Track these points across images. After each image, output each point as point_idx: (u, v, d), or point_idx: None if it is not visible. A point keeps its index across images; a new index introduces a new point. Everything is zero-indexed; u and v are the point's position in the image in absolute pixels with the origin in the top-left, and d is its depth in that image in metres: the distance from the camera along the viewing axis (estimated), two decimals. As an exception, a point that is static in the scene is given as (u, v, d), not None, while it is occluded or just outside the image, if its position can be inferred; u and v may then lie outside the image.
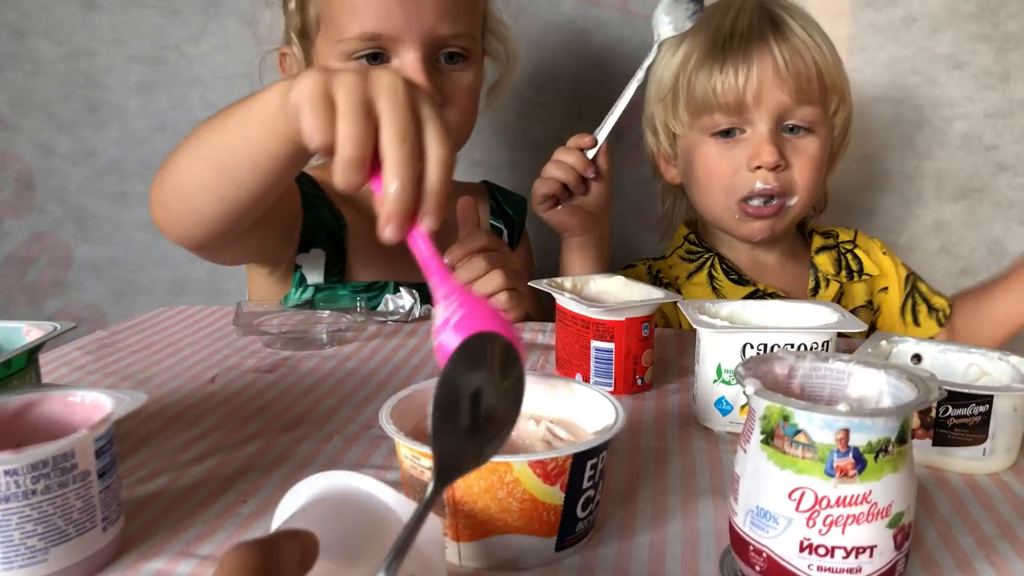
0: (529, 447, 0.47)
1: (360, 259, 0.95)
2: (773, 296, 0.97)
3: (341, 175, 0.44)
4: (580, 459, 0.41)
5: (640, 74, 0.87)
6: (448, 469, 0.35)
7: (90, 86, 1.32)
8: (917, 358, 0.59)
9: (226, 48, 1.29)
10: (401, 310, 0.85)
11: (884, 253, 1.05)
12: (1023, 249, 1.25)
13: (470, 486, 0.40)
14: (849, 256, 1.03)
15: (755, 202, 0.92)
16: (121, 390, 0.46)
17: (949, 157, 1.25)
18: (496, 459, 0.39)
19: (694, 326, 0.58)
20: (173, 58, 1.30)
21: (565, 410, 0.50)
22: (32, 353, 0.51)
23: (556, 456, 0.41)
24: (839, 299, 1.00)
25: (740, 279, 0.98)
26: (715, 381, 0.58)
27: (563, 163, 0.86)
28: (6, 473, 0.38)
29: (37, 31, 1.31)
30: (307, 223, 0.90)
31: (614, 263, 0.98)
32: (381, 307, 0.86)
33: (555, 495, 0.41)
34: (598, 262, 0.92)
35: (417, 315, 0.86)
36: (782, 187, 0.91)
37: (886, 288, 1.03)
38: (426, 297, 0.90)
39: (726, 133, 0.92)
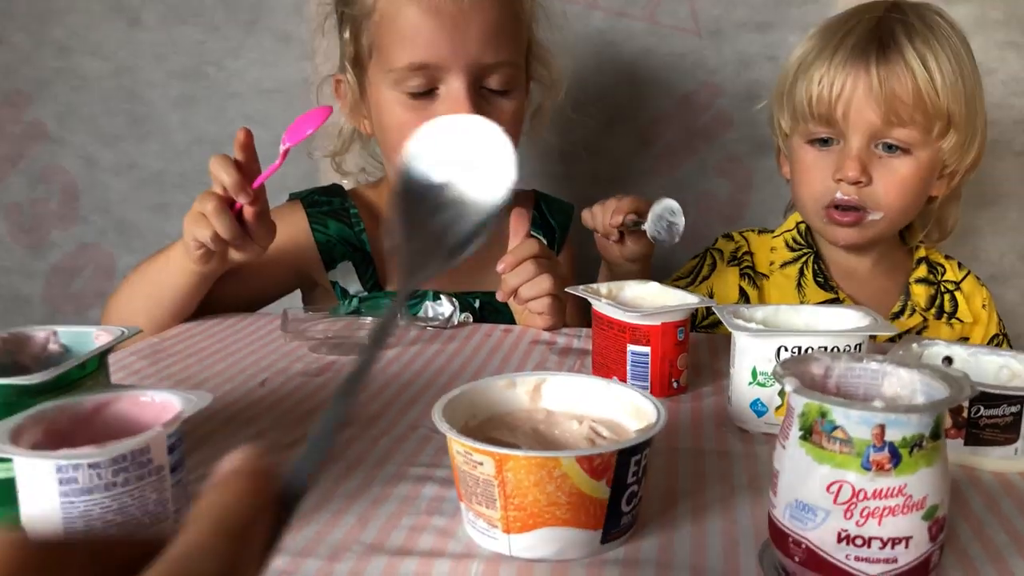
0: (574, 445, 0.49)
1: (395, 268, 0.98)
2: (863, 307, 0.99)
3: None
4: (625, 455, 0.44)
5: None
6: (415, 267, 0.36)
7: (133, 101, 1.36)
8: (948, 360, 0.60)
9: (263, 63, 1.33)
10: (441, 316, 0.88)
11: (984, 306, 1.04)
12: (1054, 254, 1.26)
13: (520, 480, 0.43)
14: (947, 297, 1.03)
15: (838, 208, 0.94)
16: (187, 391, 0.48)
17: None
18: (545, 454, 0.42)
19: (729, 329, 0.60)
20: (212, 73, 1.34)
21: (607, 410, 0.52)
22: (103, 356, 0.54)
23: (602, 452, 0.43)
24: (918, 332, 1.00)
25: (826, 283, 0.99)
26: (750, 383, 0.60)
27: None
28: (90, 467, 0.41)
29: (83, 48, 1.35)
30: (320, 244, 0.96)
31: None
32: (421, 313, 0.89)
33: (601, 489, 0.43)
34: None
35: (456, 322, 0.88)
36: (863, 201, 0.92)
37: (967, 339, 1.02)
38: (465, 305, 0.93)
39: (823, 141, 0.94)
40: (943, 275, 1.04)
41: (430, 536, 0.47)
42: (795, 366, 0.44)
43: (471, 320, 0.92)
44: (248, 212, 0.78)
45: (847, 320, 0.63)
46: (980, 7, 1.19)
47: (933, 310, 1.01)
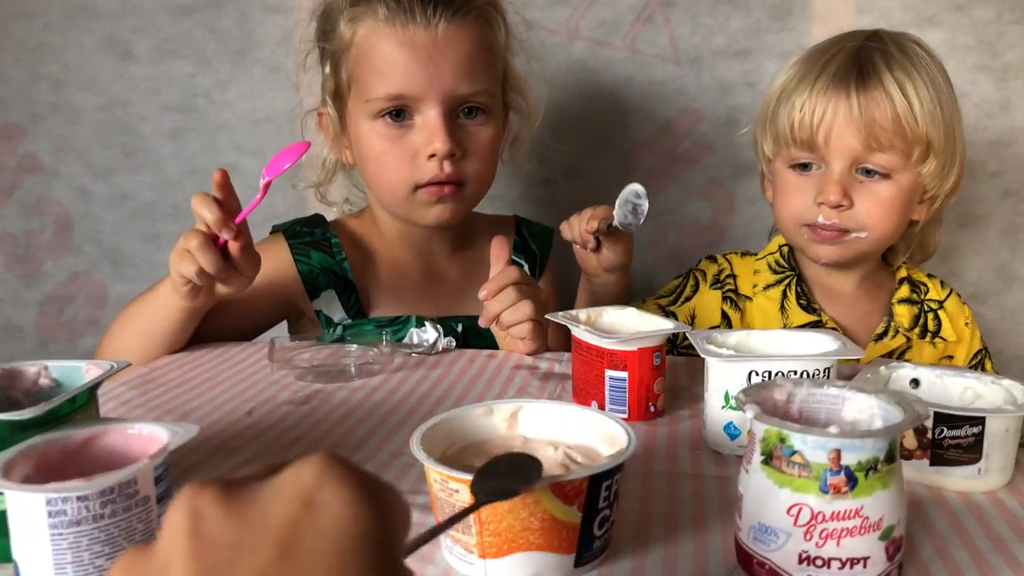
0: (548, 471, 0.51)
1: (379, 295, 1.01)
2: (833, 331, 1.00)
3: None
4: (596, 481, 0.45)
5: None
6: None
7: (126, 133, 1.38)
8: (915, 383, 0.62)
9: (253, 94, 1.36)
10: (425, 343, 0.90)
11: (966, 324, 1.06)
12: (1031, 273, 1.28)
13: (495, 506, 0.44)
14: (931, 315, 1.05)
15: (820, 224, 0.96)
16: (174, 423, 0.50)
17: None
18: None
19: (702, 355, 0.62)
20: (203, 105, 1.36)
21: (581, 436, 0.54)
22: (93, 390, 0.55)
23: (573, 478, 0.44)
24: (903, 353, 1.02)
25: (808, 306, 1.01)
26: (723, 407, 0.62)
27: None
28: (79, 499, 0.42)
29: (76, 83, 1.38)
30: (304, 274, 0.99)
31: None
32: (406, 340, 0.91)
33: (573, 514, 0.45)
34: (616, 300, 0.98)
35: (440, 348, 0.90)
36: (844, 224, 0.94)
37: (951, 358, 1.05)
38: (448, 330, 0.95)
39: (804, 166, 0.97)
40: (926, 294, 1.06)
41: (409, 561, 0.48)
42: (759, 392, 0.46)
43: (454, 345, 0.94)
44: (232, 247, 0.80)
45: (817, 345, 0.65)
46: (951, 32, 1.23)
47: (917, 329, 1.03)
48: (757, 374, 0.61)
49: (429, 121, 0.91)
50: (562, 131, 1.31)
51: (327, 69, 0.98)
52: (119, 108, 1.38)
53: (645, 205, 0.90)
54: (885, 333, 1.02)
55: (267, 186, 0.78)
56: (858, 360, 0.63)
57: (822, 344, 0.64)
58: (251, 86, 1.36)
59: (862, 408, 0.46)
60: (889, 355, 1.01)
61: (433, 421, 0.52)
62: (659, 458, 0.63)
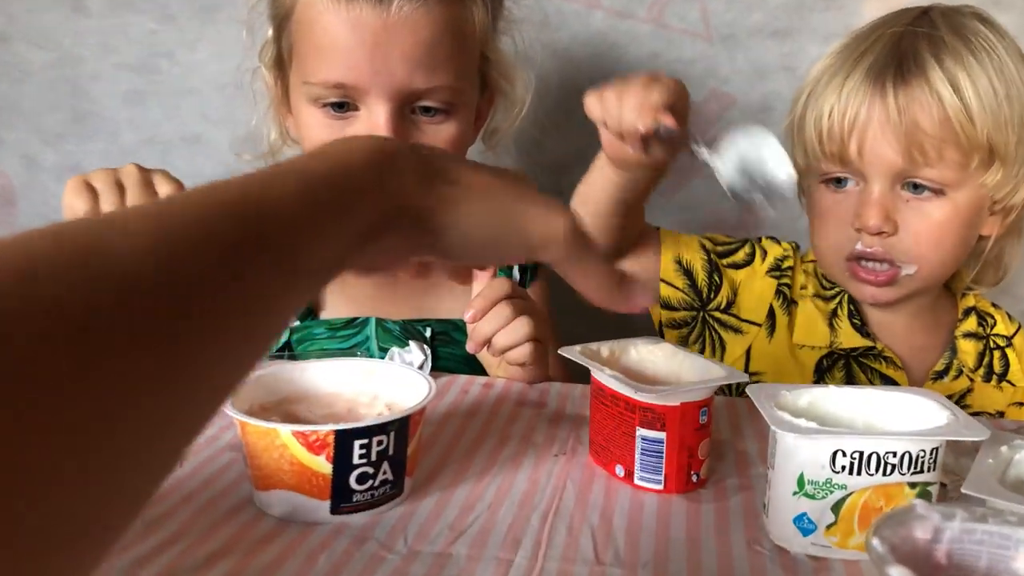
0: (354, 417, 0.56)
1: (329, 293, 0.86)
2: (889, 361, 0.85)
3: None
4: (344, 436, 0.48)
5: None
6: None
7: (77, 96, 1.22)
8: (1046, 469, 0.48)
9: (222, 56, 1.19)
10: (410, 367, 0.74)
11: None
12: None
13: (254, 443, 0.50)
14: (997, 354, 0.88)
15: (867, 264, 0.80)
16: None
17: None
18: (267, 424, 0.49)
19: (772, 427, 0.47)
20: (166, 67, 1.20)
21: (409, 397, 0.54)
22: None
23: (316, 430, 0.48)
24: (961, 398, 0.87)
25: (862, 328, 0.85)
26: (795, 494, 0.47)
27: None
28: None
29: (22, 36, 1.21)
30: None
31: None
32: (387, 360, 0.76)
33: (322, 464, 0.49)
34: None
35: (428, 372, 0.75)
36: (889, 253, 0.78)
37: (1023, 404, 0.89)
38: (413, 334, 0.80)
39: (839, 181, 0.80)
40: (992, 327, 0.90)
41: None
42: (894, 530, 0.31)
43: (428, 352, 0.79)
44: None
45: (916, 411, 0.50)
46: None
47: (981, 370, 0.87)
48: (845, 455, 0.46)
49: (374, 117, 0.76)
50: (575, 112, 1.16)
51: (270, 32, 0.84)
52: (69, 66, 1.21)
53: (784, 175, 0.59)
54: (946, 371, 0.86)
55: None
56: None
57: (925, 414, 0.50)
58: (221, 47, 1.19)
59: (1046, 558, 0.31)
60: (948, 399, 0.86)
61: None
62: (707, 551, 0.49)
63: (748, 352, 0.87)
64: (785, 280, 0.87)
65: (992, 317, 0.90)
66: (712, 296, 0.86)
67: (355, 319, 0.83)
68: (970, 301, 0.90)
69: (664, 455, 0.54)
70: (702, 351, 0.87)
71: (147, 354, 0.20)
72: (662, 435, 0.54)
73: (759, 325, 0.87)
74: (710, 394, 0.55)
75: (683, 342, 0.86)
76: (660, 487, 0.55)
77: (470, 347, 0.71)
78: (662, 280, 0.85)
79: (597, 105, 0.69)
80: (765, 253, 0.89)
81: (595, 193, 0.77)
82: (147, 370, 0.20)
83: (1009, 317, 0.92)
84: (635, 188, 0.76)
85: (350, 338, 0.81)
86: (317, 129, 0.79)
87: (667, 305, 0.86)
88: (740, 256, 0.89)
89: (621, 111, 0.66)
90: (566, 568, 0.47)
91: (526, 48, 0.93)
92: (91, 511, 0.20)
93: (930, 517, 0.32)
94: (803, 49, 1.11)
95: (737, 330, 0.87)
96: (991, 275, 0.88)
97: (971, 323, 0.89)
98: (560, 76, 1.14)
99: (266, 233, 0.26)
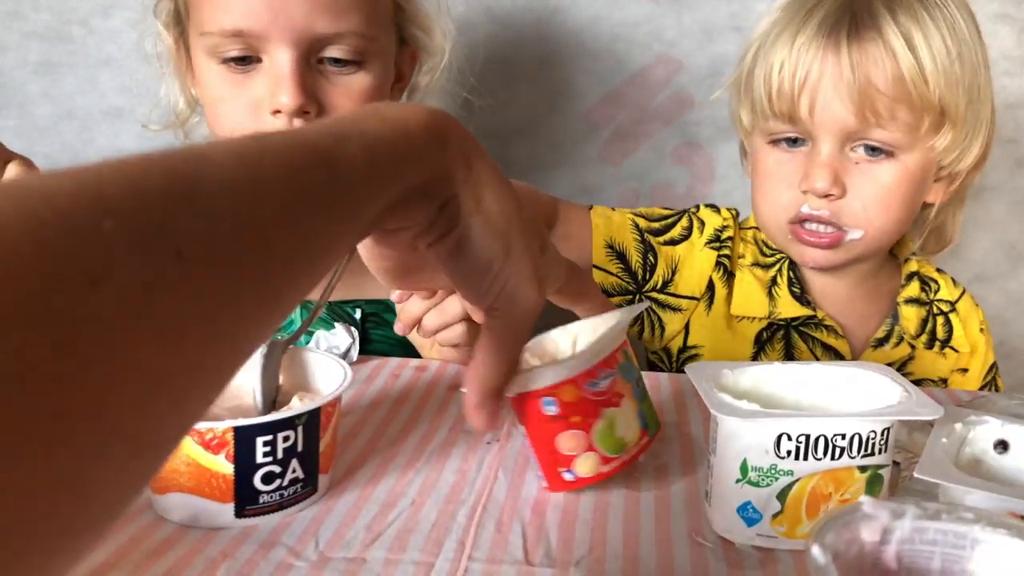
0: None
1: None
2: (830, 329, 0.82)
3: None
4: (245, 433, 0.45)
5: None
6: None
7: (-17, 67, 1.14)
8: (1003, 446, 0.45)
9: (143, 22, 1.11)
10: (335, 351, 0.70)
11: (981, 330, 0.88)
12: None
13: None
14: (940, 319, 0.86)
15: (811, 226, 0.77)
16: None
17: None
18: None
19: (712, 411, 0.44)
20: (80, 35, 1.12)
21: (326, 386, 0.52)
22: None
23: (213, 427, 0.44)
24: (903, 365, 0.84)
25: (801, 296, 0.82)
26: (739, 481, 0.44)
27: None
28: None
29: (-82, 1, 1.12)
30: None
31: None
32: (312, 346, 0.71)
33: (222, 464, 0.45)
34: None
35: (355, 357, 0.70)
36: (835, 217, 0.75)
37: (966, 371, 0.86)
38: (343, 316, 0.75)
39: (790, 141, 0.77)
40: (936, 293, 0.87)
41: None
42: (839, 533, 0.28)
43: (355, 335, 0.74)
44: None
45: (867, 388, 0.47)
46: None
47: (924, 337, 0.85)
48: (790, 438, 0.43)
49: (277, 66, 0.70)
50: (513, 80, 1.11)
51: None
52: (-28, 35, 1.12)
53: None
54: (887, 338, 0.84)
55: None
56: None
57: (877, 392, 0.46)
58: (141, 13, 1.11)
59: (1006, 560, 0.28)
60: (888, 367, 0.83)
61: None
62: (646, 544, 0.45)
63: (687, 327, 0.84)
64: (725, 251, 0.84)
65: (935, 282, 0.88)
66: (648, 277, 0.83)
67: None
68: (913, 266, 0.88)
69: (533, 451, 0.50)
70: (641, 332, 0.84)
71: (228, 272, 0.23)
72: (523, 430, 0.50)
73: (697, 299, 0.83)
74: (562, 378, 0.47)
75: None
76: (547, 485, 0.50)
77: (398, 328, 0.66)
78: (595, 267, 0.81)
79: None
80: (703, 224, 0.86)
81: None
82: (229, 288, 0.23)
83: (953, 282, 0.90)
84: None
85: (301, 341, 0.75)
86: (218, 85, 0.74)
87: (603, 291, 0.82)
88: (676, 231, 0.85)
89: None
90: (491, 569, 0.43)
91: (467, 10, 0.88)
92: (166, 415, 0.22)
93: (878, 516, 0.29)
94: (752, 8, 1.07)
95: (676, 308, 0.84)
96: (933, 243, 0.86)
97: (913, 288, 0.86)
98: (500, 42, 1.09)
99: (339, 188, 0.29)
